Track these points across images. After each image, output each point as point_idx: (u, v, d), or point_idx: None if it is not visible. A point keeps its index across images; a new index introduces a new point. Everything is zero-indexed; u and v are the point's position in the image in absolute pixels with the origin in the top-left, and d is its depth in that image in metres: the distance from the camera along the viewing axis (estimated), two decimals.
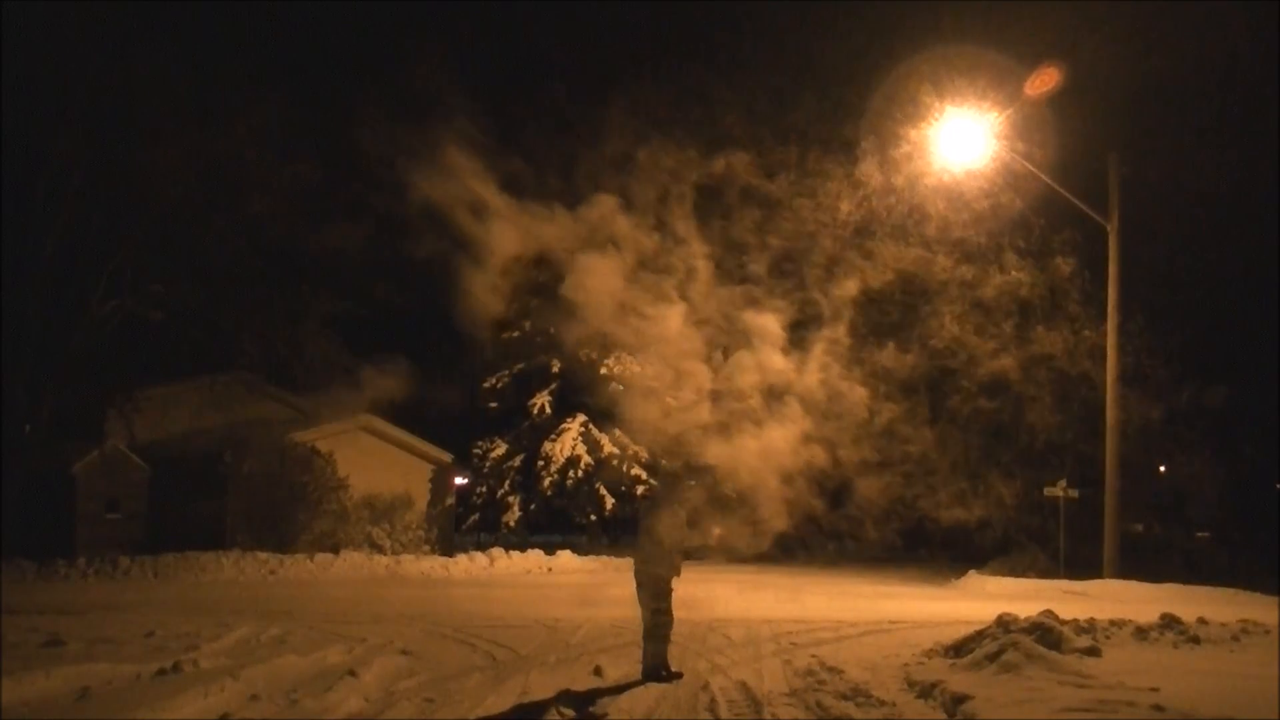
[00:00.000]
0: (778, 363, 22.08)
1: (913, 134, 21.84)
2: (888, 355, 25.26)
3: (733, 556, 26.07)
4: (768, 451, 23.17)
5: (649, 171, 20.83)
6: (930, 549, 33.57)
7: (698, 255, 22.13)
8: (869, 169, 23.92)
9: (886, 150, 23.58)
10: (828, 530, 29.87)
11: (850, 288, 23.59)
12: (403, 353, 26.92)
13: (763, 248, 24.66)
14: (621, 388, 28.02)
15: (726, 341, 23.35)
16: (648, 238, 21.00)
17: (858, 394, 23.59)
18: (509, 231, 17.78)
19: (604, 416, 29.14)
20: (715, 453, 25.11)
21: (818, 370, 22.39)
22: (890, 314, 26.94)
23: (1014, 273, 25.42)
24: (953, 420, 27.80)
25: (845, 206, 24.04)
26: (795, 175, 24.61)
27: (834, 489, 26.61)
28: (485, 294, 18.05)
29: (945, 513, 26.31)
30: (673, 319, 21.71)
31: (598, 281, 19.61)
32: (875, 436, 24.06)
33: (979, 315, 26.48)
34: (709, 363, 23.68)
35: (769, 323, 22.95)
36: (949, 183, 22.15)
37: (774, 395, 22.73)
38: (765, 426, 23.52)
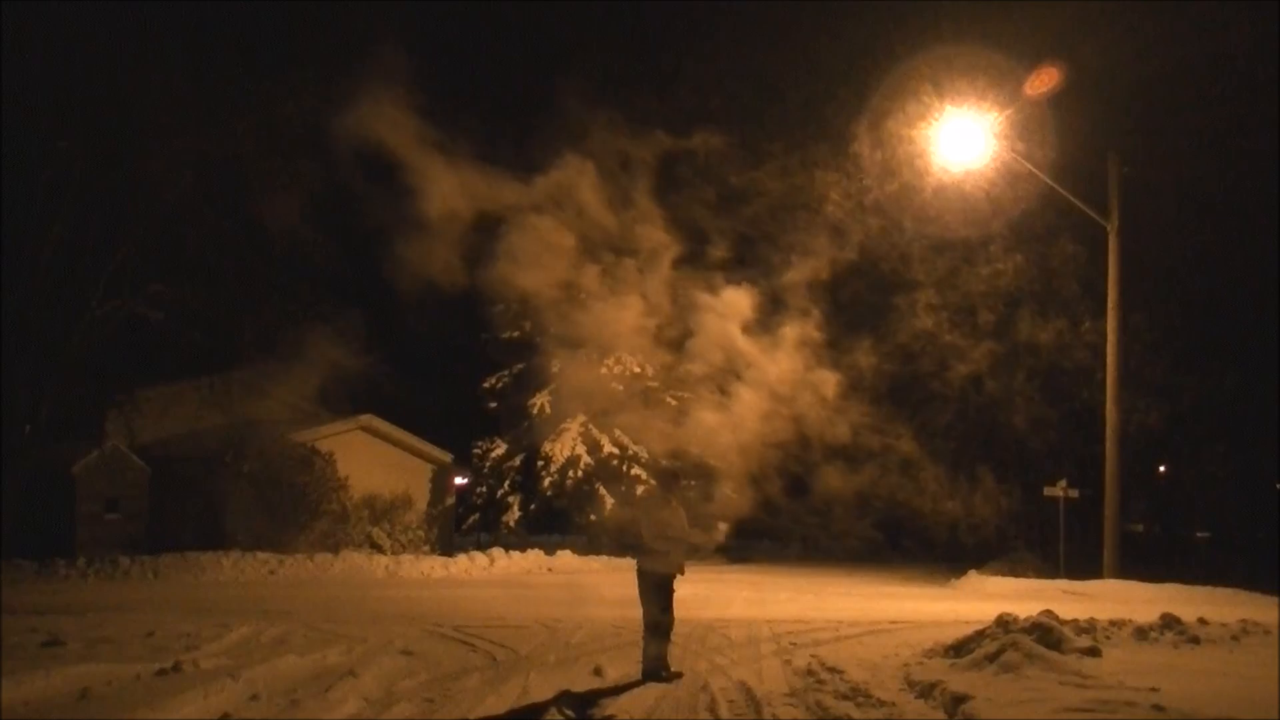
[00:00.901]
0: (743, 342, 22.20)
1: (912, 133, 21.88)
2: (864, 348, 25.34)
3: (695, 553, 26.13)
4: (728, 429, 23.37)
5: (613, 145, 20.87)
6: (915, 544, 33.29)
7: (659, 232, 22.22)
8: (861, 146, 23.91)
9: (879, 131, 23.61)
10: (798, 522, 29.81)
11: (824, 271, 23.70)
12: (403, 355, 26.88)
13: (739, 231, 24.75)
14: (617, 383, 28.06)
15: (689, 320, 23.40)
16: (608, 214, 21.02)
17: (829, 381, 23.65)
18: (463, 193, 17.85)
19: (539, 384, 29.09)
20: (672, 430, 25.24)
21: (789, 352, 22.50)
22: (869, 301, 27.00)
23: (997, 265, 25.38)
24: (928, 412, 27.77)
25: (834, 195, 24.07)
26: (780, 162, 24.69)
27: (804, 477, 26.71)
28: (434, 258, 18.09)
29: (928, 506, 26.23)
30: (629, 301, 21.76)
31: (541, 250, 19.61)
32: (848, 424, 24.09)
33: (965, 303, 26.50)
34: (664, 342, 23.76)
35: (739, 299, 22.99)
36: (941, 175, 22.16)
37: (740, 374, 22.83)
38: (727, 406, 23.69)
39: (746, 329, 22.71)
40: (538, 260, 19.90)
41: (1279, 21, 21.36)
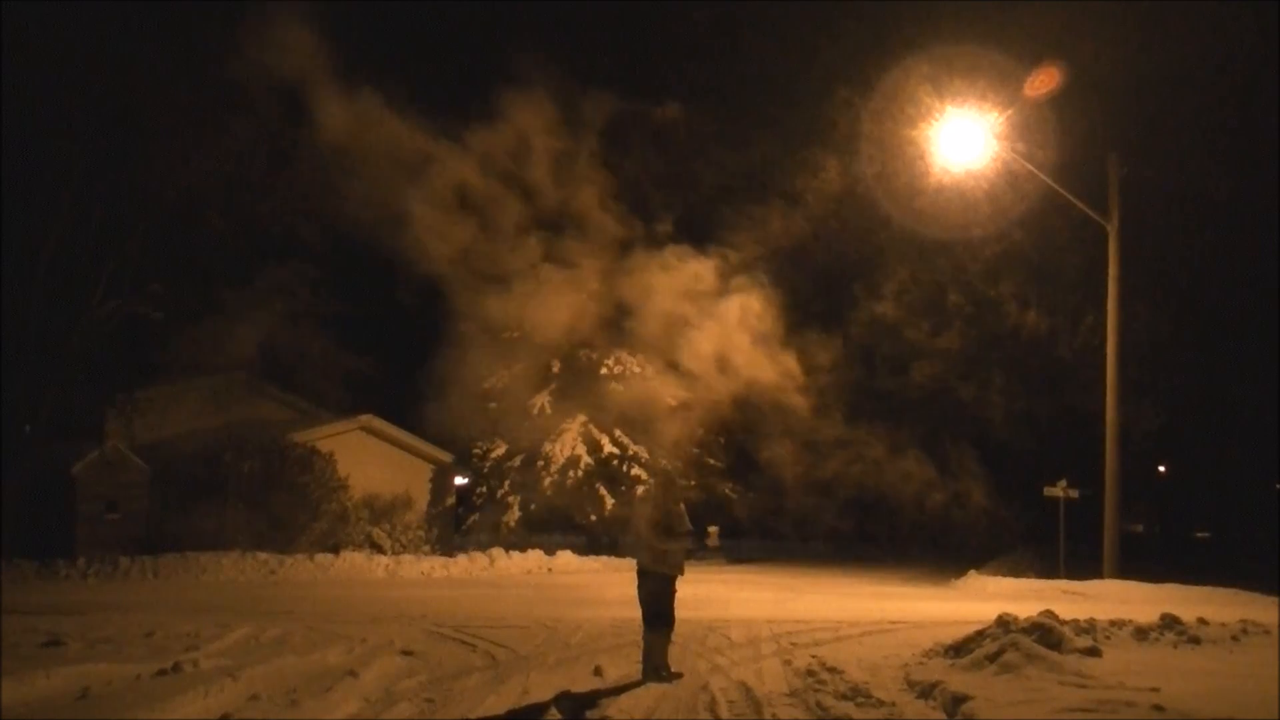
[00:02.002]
0: (711, 317, 22.24)
1: (912, 133, 21.92)
2: (860, 317, 25.28)
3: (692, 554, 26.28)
4: (680, 407, 23.50)
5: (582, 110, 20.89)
6: (887, 535, 33.07)
7: (603, 200, 22.30)
8: (846, 132, 23.96)
9: (869, 121, 23.68)
10: (758, 510, 29.84)
11: (803, 251, 23.87)
12: (403, 355, 26.78)
13: (712, 207, 24.85)
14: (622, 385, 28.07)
15: (639, 293, 23.40)
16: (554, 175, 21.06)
17: (792, 361, 23.65)
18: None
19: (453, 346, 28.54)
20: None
21: (755, 329, 22.60)
22: (846, 289, 27.09)
23: (989, 249, 25.34)
24: (908, 400, 27.74)
25: (822, 176, 24.17)
26: (762, 148, 24.75)
27: (760, 459, 26.68)
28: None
29: (909, 493, 26.15)
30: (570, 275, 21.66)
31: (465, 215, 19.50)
32: (812, 403, 24.09)
33: (944, 286, 26.47)
34: (606, 318, 23.72)
35: (702, 271, 23.01)
36: (941, 175, 22.19)
37: (701, 350, 22.84)
38: (682, 381, 23.79)
39: (710, 303, 22.83)
40: (457, 226, 19.92)
41: (1279, 21, 21.37)
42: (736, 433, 29.74)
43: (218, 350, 23.71)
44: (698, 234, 25.23)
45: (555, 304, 22.95)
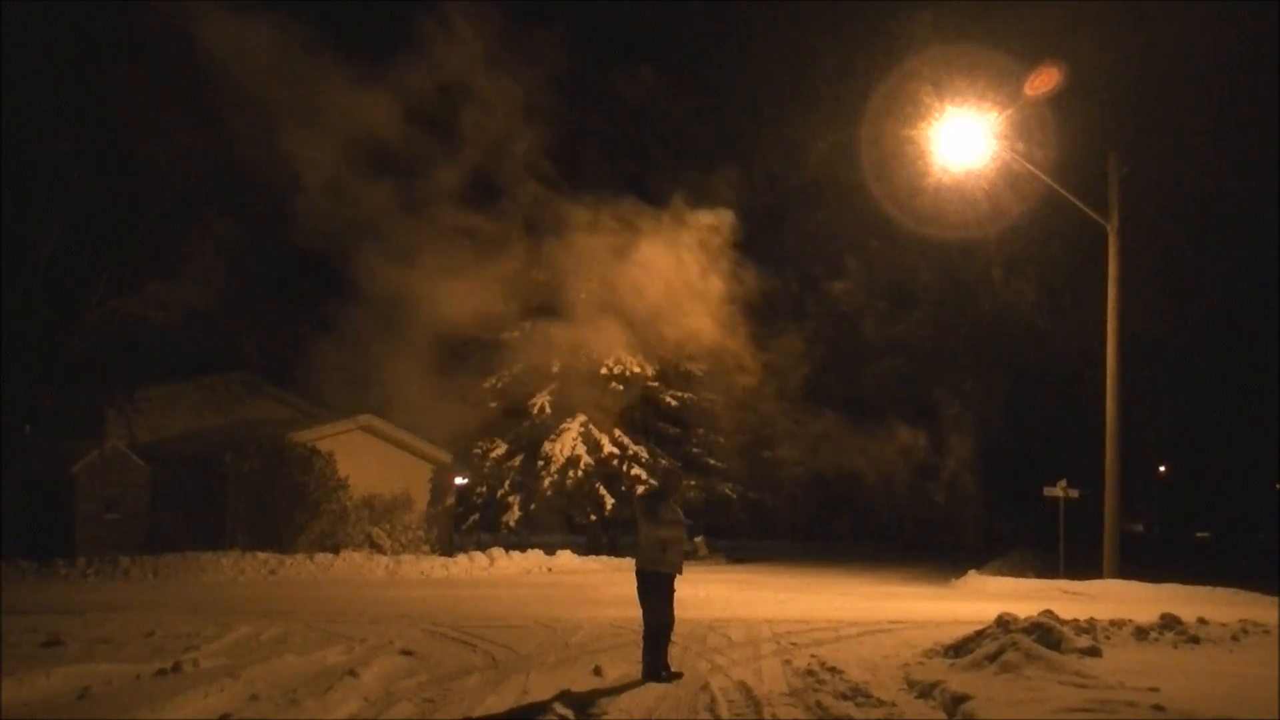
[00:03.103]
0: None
1: (912, 133, 21.92)
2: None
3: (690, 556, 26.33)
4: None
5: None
6: (864, 528, 33.01)
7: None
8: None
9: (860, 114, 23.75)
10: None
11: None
12: (402, 354, 26.71)
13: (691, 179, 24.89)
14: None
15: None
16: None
17: (748, 357, 23.61)
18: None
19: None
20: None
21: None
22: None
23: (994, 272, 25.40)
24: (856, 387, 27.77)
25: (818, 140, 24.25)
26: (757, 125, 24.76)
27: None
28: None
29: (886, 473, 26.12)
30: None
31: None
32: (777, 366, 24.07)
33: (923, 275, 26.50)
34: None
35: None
36: (941, 174, 22.20)
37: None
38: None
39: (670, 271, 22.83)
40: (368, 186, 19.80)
41: (1279, 21, 21.37)
42: (686, 416, 29.89)
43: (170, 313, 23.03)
44: (656, 198, 25.37)
45: (471, 282, 22.89)
